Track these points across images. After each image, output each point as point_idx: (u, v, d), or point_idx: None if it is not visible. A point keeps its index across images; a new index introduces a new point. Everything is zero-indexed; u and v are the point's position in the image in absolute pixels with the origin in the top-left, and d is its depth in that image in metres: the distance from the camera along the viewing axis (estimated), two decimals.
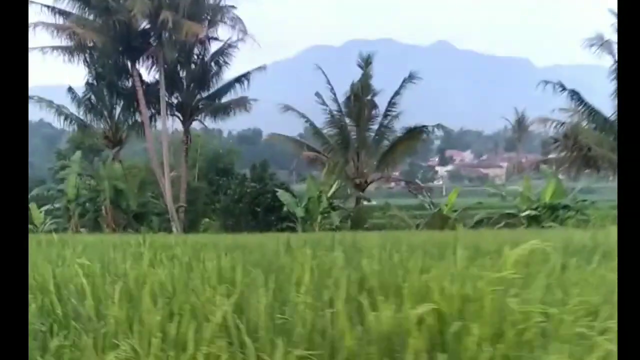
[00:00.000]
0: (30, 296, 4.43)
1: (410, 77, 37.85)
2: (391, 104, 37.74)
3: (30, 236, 11.01)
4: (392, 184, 71.44)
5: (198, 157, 55.47)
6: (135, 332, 3.76)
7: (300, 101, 42.79)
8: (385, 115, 37.89)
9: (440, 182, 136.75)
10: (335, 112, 37.92)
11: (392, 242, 8.74)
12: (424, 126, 37.99)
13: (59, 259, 6.69)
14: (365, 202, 39.55)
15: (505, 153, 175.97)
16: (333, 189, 36.73)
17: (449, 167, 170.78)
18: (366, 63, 37.30)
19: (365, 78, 37.15)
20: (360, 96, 36.89)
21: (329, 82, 37.91)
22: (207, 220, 44.90)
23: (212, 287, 4.47)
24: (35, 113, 47.80)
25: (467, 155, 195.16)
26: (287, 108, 38.90)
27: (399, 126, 38.70)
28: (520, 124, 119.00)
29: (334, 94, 37.73)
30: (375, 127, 38.16)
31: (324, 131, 38.81)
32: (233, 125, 56.04)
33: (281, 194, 36.98)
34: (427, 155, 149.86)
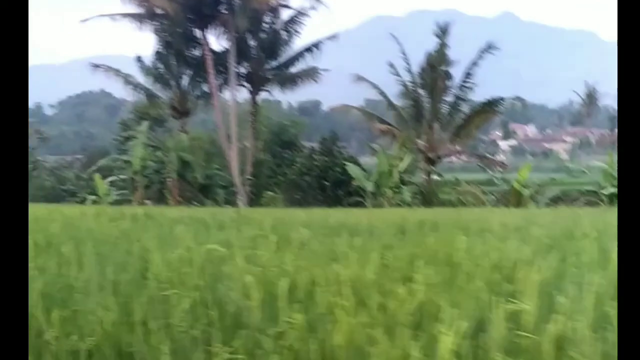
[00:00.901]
0: (172, 291, 3.63)
1: (488, 48, 36.51)
2: (467, 74, 36.46)
3: (111, 209, 10.40)
4: (453, 158, 70.12)
5: (262, 128, 54.83)
6: (336, 347, 2.90)
7: (364, 72, 41.55)
8: (461, 87, 36.66)
9: (502, 157, 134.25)
10: (409, 83, 36.80)
11: (529, 222, 7.82)
12: (501, 98, 36.60)
13: (175, 242, 5.80)
14: (437, 177, 38.43)
15: (570, 127, 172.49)
16: (405, 163, 35.68)
17: (512, 142, 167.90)
18: (443, 32, 36.04)
19: (442, 48, 35.95)
20: (436, 66, 35.75)
21: (403, 52, 36.78)
22: (269, 193, 44.37)
23: (395, 284, 3.59)
24: (96, 83, 48.05)
25: (530, 130, 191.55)
26: (359, 78, 37.92)
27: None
28: (591, 97, 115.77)
29: (408, 64, 36.59)
30: (449, 99, 36.98)
31: (396, 103, 37.77)
32: (292, 96, 55.15)
33: (350, 168, 36.13)
34: (489, 128, 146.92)
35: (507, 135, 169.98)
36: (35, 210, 9.92)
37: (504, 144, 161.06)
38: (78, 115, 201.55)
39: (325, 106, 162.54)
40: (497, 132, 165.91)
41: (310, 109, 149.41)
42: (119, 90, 43.14)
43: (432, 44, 36.70)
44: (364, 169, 37.23)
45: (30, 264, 4.34)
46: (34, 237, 5.78)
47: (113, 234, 6.61)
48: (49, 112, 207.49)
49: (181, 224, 8.18)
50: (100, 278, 4.11)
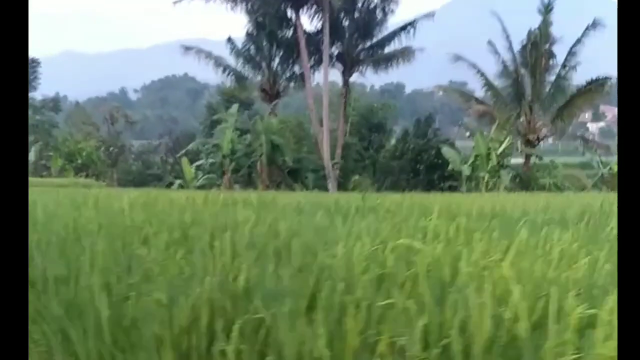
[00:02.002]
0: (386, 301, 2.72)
1: (594, 24, 34.62)
2: (571, 53, 34.82)
3: (221, 195, 9.64)
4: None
5: (350, 111, 54.10)
6: None
7: (452, 51, 40.15)
8: (564, 66, 35.04)
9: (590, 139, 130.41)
10: (509, 62, 35.46)
11: None
12: (606, 77, 34.67)
13: (332, 233, 4.79)
14: (537, 160, 36.88)
15: None
16: (503, 146, 34.18)
17: (600, 124, 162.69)
18: (547, 9, 34.45)
19: (545, 25, 34.42)
20: (539, 45, 34.22)
21: (504, 30, 35.48)
22: (357, 177, 43.62)
23: None
24: (180, 67, 48.15)
25: None
26: (457, 58, 36.66)
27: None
28: None
29: (509, 42, 35.31)
30: (551, 78, 35.44)
31: (495, 83, 36.52)
32: (377, 78, 54.11)
33: (446, 151, 35.00)
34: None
35: (597, 117, 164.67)
36: (144, 195, 9.29)
37: (593, 126, 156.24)
38: (161, 99, 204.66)
39: (408, 88, 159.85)
40: (586, 115, 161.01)
41: (393, 92, 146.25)
42: (203, 74, 43.12)
43: (519, 23, 35.30)
44: (459, 152, 36.04)
45: (181, 260, 3.59)
46: (170, 226, 5.00)
47: (244, 222, 5.69)
48: (132, 96, 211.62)
49: (315, 211, 7.25)
50: (273, 279, 3.21)
